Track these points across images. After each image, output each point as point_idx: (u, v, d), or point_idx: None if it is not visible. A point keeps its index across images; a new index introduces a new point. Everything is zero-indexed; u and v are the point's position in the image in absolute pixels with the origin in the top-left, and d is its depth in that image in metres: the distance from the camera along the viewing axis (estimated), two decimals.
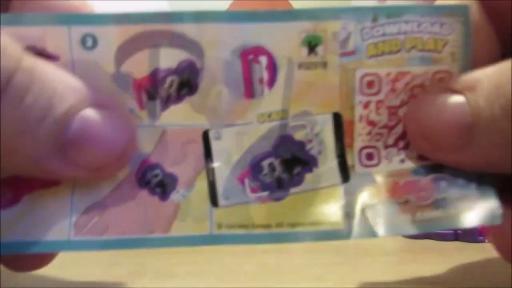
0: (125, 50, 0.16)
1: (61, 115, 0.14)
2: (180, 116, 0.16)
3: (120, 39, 0.16)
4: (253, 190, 0.17)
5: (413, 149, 0.17)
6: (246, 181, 0.17)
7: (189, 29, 0.16)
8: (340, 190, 0.17)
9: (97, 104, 0.15)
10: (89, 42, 0.16)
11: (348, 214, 0.16)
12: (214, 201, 0.16)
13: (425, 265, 0.21)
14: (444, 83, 0.16)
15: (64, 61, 0.16)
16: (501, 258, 0.17)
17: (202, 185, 0.16)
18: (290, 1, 0.64)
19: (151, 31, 0.16)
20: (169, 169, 0.16)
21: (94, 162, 0.15)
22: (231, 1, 0.64)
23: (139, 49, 0.16)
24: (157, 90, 0.16)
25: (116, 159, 0.15)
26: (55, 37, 0.16)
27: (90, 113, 0.15)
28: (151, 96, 0.16)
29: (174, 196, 0.16)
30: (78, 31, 0.16)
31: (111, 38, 0.16)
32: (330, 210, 0.16)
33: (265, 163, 0.17)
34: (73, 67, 0.16)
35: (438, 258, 0.22)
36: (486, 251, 0.23)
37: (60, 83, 0.14)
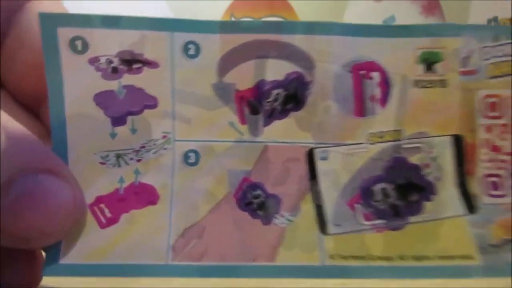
0: (229, 60, 0.15)
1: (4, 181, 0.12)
2: (283, 132, 0.15)
3: (224, 48, 0.15)
4: (367, 217, 0.15)
5: None
6: (357, 206, 0.15)
7: (299, 40, 0.15)
8: (467, 221, 0.14)
9: (44, 170, 0.13)
10: (192, 50, 0.15)
11: (482, 248, 0.14)
12: (323, 227, 0.14)
13: None
14: None
15: (164, 69, 0.15)
16: None
17: (308, 209, 0.14)
18: (289, 1, 0.64)
19: (258, 40, 0.15)
20: (271, 189, 0.15)
21: (27, 233, 0.12)
22: (231, 1, 0.64)
23: (244, 60, 0.15)
24: (261, 104, 0.15)
25: (52, 233, 0.13)
26: (155, 43, 0.15)
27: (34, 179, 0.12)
28: (254, 110, 0.15)
29: (278, 220, 0.14)
30: (181, 38, 0.15)
31: (215, 46, 0.15)
32: (460, 243, 0.14)
33: (377, 188, 0.15)
34: (172, 75, 0.15)
35: None
36: None
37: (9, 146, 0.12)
